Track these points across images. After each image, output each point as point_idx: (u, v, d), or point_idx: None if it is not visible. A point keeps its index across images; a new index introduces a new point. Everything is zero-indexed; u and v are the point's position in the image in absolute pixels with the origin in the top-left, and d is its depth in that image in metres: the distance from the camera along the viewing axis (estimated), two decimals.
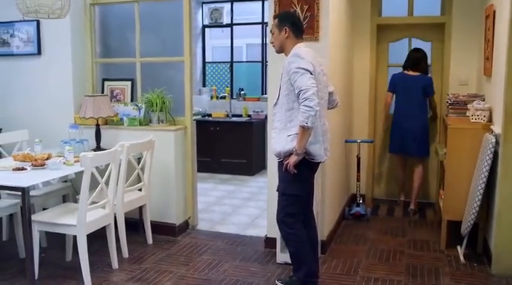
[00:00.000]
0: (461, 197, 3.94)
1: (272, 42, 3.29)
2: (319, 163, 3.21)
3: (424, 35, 5.40)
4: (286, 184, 3.15)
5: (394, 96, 5.16)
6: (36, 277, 3.42)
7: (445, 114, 4.67)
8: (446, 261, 3.90)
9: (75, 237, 3.47)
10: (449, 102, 4.48)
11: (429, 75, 5.14)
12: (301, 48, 3.11)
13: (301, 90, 2.92)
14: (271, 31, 3.29)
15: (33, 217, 3.46)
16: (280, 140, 3.11)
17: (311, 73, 2.96)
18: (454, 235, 4.06)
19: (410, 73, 5.03)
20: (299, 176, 3.09)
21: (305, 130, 2.93)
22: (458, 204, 3.97)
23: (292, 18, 3.24)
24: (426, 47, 5.26)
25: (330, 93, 3.33)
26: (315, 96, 2.90)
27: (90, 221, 3.47)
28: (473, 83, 5.00)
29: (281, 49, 3.23)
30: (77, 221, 3.38)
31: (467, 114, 4.17)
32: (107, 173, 3.62)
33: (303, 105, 2.90)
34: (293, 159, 3.02)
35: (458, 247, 3.98)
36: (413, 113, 5.00)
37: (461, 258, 3.87)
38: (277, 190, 3.24)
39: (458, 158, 3.99)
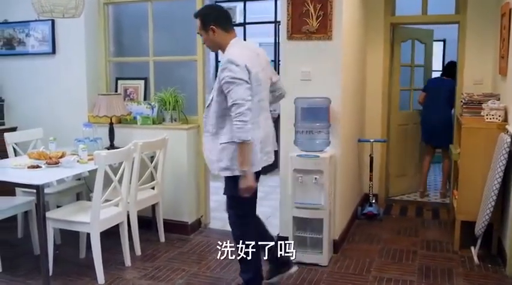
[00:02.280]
0: (476, 198, 3.90)
1: (204, 43, 3.13)
2: (259, 171, 3.06)
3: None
4: (229, 189, 3.03)
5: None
6: (51, 274, 3.45)
7: (459, 113, 4.63)
8: (460, 262, 3.86)
9: (88, 234, 3.50)
10: (463, 101, 4.44)
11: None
12: (235, 49, 2.91)
13: (236, 104, 2.75)
14: (197, 33, 3.06)
15: (48, 214, 3.49)
16: (213, 148, 2.96)
17: (247, 81, 2.79)
18: (467, 236, 4.02)
19: (444, 78, 5.77)
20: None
21: (246, 146, 2.78)
22: (472, 204, 3.93)
23: (213, 14, 2.98)
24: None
25: (274, 83, 3.17)
26: (249, 110, 2.75)
27: (104, 219, 3.51)
28: (488, 82, 4.95)
29: (216, 48, 3.07)
30: (91, 218, 3.41)
31: (481, 113, 4.13)
32: (120, 172, 3.64)
33: (238, 121, 2.74)
34: (246, 183, 2.84)
35: (472, 248, 3.94)
36: (439, 108, 5.53)
37: (475, 259, 3.84)
38: (224, 194, 3.11)
39: (473, 158, 3.95)
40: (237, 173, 2.89)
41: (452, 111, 5.48)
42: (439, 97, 5.56)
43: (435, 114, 5.57)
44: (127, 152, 3.65)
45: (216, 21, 2.94)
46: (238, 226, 3.10)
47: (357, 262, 3.86)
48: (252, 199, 3.07)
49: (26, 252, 4.02)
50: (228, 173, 2.94)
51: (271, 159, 3.13)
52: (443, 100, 5.54)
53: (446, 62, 8.02)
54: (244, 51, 2.93)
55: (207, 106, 3.02)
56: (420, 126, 5.81)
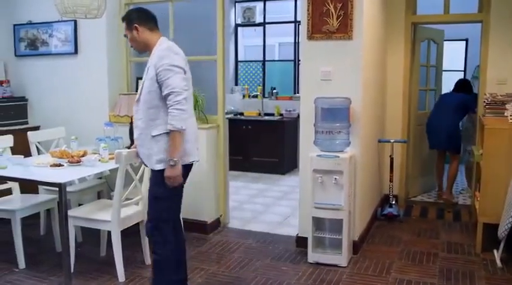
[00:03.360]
0: (498, 200, 3.84)
1: (132, 46, 3.10)
2: (191, 165, 2.97)
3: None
4: (158, 187, 2.88)
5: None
6: (72, 270, 3.50)
7: (482, 114, 4.56)
8: (482, 265, 3.81)
9: (109, 232, 3.54)
10: (486, 101, 4.37)
11: (473, 94, 5.68)
12: (169, 42, 2.93)
13: (173, 92, 2.72)
14: (124, 35, 3.07)
15: (70, 213, 3.54)
16: (145, 142, 2.88)
17: (185, 71, 2.82)
18: (490, 238, 3.96)
19: (454, 93, 5.77)
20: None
21: (179, 135, 2.75)
22: (494, 206, 3.87)
23: (136, 14, 3.01)
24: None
25: None
26: (185, 100, 2.74)
27: (124, 217, 3.54)
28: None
29: (142, 47, 3.01)
30: (111, 217, 3.45)
31: (505, 114, 4.06)
32: (140, 171, 3.67)
33: (174, 109, 2.71)
34: (175, 172, 2.77)
35: (495, 251, 3.88)
36: (445, 115, 5.50)
37: (498, 262, 3.77)
38: (150, 192, 3.00)
39: (495, 160, 3.89)
40: (188, 161, 2.88)
41: (461, 121, 5.68)
42: (448, 107, 5.52)
43: (440, 120, 5.52)
44: None
45: (139, 20, 2.97)
46: (159, 232, 2.93)
47: (377, 263, 3.83)
48: (178, 203, 3.03)
49: (48, 249, 4.08)
50: (161, 166, 2.83)
51: (199, 156, 3.08)
52: (451, 111, 5.51)
53: (468, 62, 7.99)
54: (176, 46, 2.95)
55: (136, 100, 2.93)
56: (426, 133, 5.74)
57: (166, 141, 2.81)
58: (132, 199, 3.66)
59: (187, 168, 2.93)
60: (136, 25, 2.95)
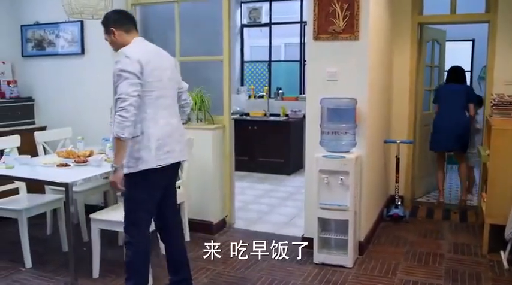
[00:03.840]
0: (505, 200, 3.82)
1: (113, 49, 3.09)
2: (167, 168, 2.92)
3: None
4: (126, 190, 2.90)
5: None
6: (97, 276, 3.52)
7: (489, 114, 4.54)
8: (489, 266, 3.79)
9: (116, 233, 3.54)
10: (493, 102, 4.35)
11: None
12: (132, 45, 2.91)
13: (120, 98, 2.70)
14: (105, 39, 3.09)
15: (93, 215, 3.54)
16: (113, 145, 2.89)
17: (137, 75, 2.74)
18: (497, 239, 3.94)
19: (453, 84, 5.47)
20: (141, 185, 2.88)
21: (121, 142, 2.72)
22: (501, 207, 3.85)
23: (113, 17, 3.01)
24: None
25: (179, 91, 3.15)
26: (132, 107, 2.69)
27: None
28: None
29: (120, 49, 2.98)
30: None
31: None
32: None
33: (118, 115, 2.69)
34: (114, 178, 2.80)
35: (502, 252, 3.86)
36: (454, 112, 5.30)
37: (505, 263, 3.75)
38: (120, 195, 3.02)
39: (503, 160, 3.87)
40: (132, 170, 2.83)
41: (467, 114, 5.35)
42: (456, 101, 5.32)
43: (451, 119, 5.29)
44: None
45: (116, 23, 2.98)
46: (131, 231, 2.95)
47: (383, 264, 3.82)
48: (148, 205, 2.97)
49: (55, 248, 4.10)
50: (125, 171, 2.83)
51: (175, 159, 2.98)
52: (460, 105, 5.32)
53: (475, 63, 7.94)
54: (143, 48, 2.93)
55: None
56: (431, 134, 5.49)
57: (131, 146, 2.81)
58: None
59: (144, 174, 2.85)
60: (113, 28, 2.97)
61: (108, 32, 3.01)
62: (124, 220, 2.97)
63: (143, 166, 2.83)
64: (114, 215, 3.51)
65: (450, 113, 5.31)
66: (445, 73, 6.04)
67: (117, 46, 3.01)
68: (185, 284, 3.18)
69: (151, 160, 2.85)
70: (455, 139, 5.29)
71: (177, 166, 3.09)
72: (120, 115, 2.69)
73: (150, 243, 3.07)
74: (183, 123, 3.21)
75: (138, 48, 2.90)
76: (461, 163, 5.56)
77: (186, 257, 3.20)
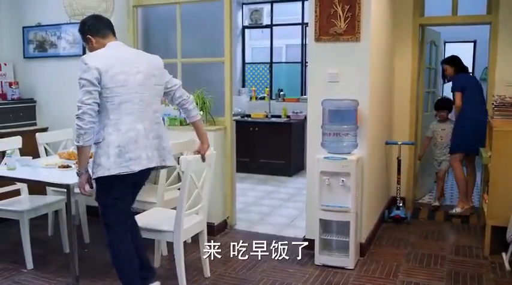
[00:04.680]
0: (507, 202, 3.82)
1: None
2: (133, 175, 2.89)
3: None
4: (96, 193, 3.00)
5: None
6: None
7: (491, 116, 4.53)
8: (490, 268, 3.78)
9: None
10: (494, 103, 4.34)
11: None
12: (100, 50, 2.93)
13: (77, 106, 2.76)
14: (84, 45, 3.18)
15: None
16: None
17: (93, 83, 2.75)
18: (498, 241, 3.94)
19: (469, 74, 5.62)
20: (105, 190, 2.94)
21: (79, 149, 2.82)
22: (503, 209, 3.85)
23: (88, 24, 3.02)
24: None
25: (170, 90, 3.20)
26: (86, 115, 2.73)
27: (186, 228, 3.38)
28: None
29: None
30: (174, 227, 3.27)
31: None
32: (202, 178, 3.52)
33: (75, 123, 2.76)
34: (79, 182, 2.93)
35: (503, 254, 3.85)
36: (483, 108, 5.01)
37: (507, 265, 3.75)
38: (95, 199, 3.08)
39: (504, 162, 3.87)
40: (94, 176, 2.89)
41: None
42: (481, 95, 5.07)
43: (482, 114, 4.86)
44: (210, 158, 3.49)
45: (91, 30, 3.00)
46: (106, 233, 3.02)
47: (384, 266, 3.81)
48: (116, 209, 3.00)
49: (56, 250, 4.10)
50: (93, 175, 2.91)
51: (142, 166, 2.91)
52: (483, 99, 5.07)
53: (476, 64, 7.93)
54: (108, 52, 2.92)
55: None
56: (459, 133, 5.04)
57: (94, 151, 2.89)
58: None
59: (106, 180, 2.86)
60: (89, 36, 3.00)
61: (85, 39, 3.04)
62: (101, 221, 3.04)
63: (101, 173, 2.83)
64: (145, 222, 3.40)
65: (480, 108, 4.96)
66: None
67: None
68: (146, 282, 3.21)
69: (111, 166, 2.83)
70: (482, 138, 4.74)
71: (146, 172, 3.02)
72: (76, 124, 2.75)
73: (129, 244, 3.06)
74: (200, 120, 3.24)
75: (100, 53, 2.90)
76: (472, 167, 5.27)
77: (145, 255, 3.26)
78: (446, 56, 5.81)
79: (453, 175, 5.40)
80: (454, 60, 5.30)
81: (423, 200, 5.78)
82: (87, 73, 2.76)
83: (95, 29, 3.00)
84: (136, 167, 2.88)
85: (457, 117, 5.14)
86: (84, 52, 4.94)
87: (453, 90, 5.12)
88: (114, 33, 3.06)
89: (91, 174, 2.90)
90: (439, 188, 5.55)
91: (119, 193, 2.97)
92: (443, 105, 5.54)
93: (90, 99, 2.76)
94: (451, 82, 5.27)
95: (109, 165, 2.82)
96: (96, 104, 2.78)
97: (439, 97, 6.20)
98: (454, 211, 5.14)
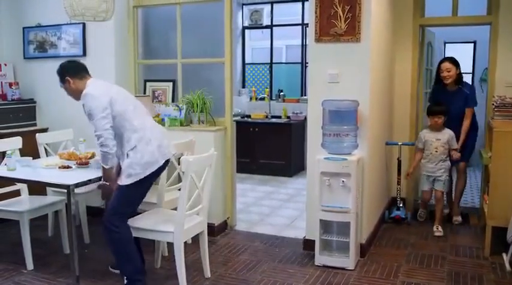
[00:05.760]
0: (507, 203, 3.82)
1: (69, 95, 3.45)
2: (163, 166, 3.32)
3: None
4: (126, 190, 3.23)
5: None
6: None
7: (491, 116, 4.53)
8: (491, 268, 3.78)
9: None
10: (495, 104, 4.35)
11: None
12: (89, 86, 3.26)
13: (96, 135, 3.13)
14: (63, 87, 3.41)
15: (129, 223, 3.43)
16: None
17: (105, 106, 3.13)
18: (499, 242, 3.94)
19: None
20: (141, 187, 3.29)
21: (106, 169, 3.24)
22: (503, 209, 3.85)
23: (65, 68, 3.37)
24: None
25: None
26: (109, 140, 3.12)
27: (187, 228, 3.37)
28: None
29: (79, 95, 3.30)
30: (175, 228, 3.24)
31: None
32: (203, 178, 3.50)
33: (100, 150, 3.15)
34: (106, 191, 3.33)
35: (504, 254, 3.85)
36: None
37: (507, 265, 3.74)
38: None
39: (504, 162, 3.87)
40: (140, 177, 3.21)
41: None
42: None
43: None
44: (210, 159, 3.52)
45: (69, 73, 3.34)
46: (113, 220, 3.25)
47: (384, 266, 3.81)
48: (135, 205, 3.43)
49: (56, 250, 4.10)
50: (129, 181, 3.22)
51: (170, 153, 3.43)
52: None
53: (476, 64, 7.92)
54: (98, 83, 3.32)
55: None
56: (475, 141, 4.95)
57: (132, 156, 3.27)
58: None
59: (148, 177, 3.28)
60: (68, 78, 3.33)
61: (63, 81, 3.36)
62: (109, 211, 3.24)
63: (152, 169, 3.23)
64: (146, 223, 3.40)
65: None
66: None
67: (73, 92, 3.38)
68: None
69: (158, 159, 3.25)
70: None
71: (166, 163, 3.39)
72: (102, 151, 3.15)
73: (131, 232, 3.29)
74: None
75: (96, 85, 3.28)
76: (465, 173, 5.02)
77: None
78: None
79: (460, 183, 4.95)
80: (458, 62, 4.88)
81: None
82: (96, 101, 3.13)
83: (73, 72, 3.35)
84: (171, 153, 3.40)
85: (470, 126, 4.78)
86: (84, 53, 4.95)
87: (474, 104, 4.80)
88: (89, 73, 3.42)
89: (132, 178, 3.17)
90: (440, 212, 4.74)
91: (148, 188, 3.34)
92: (438, 109, 4.67)
93: (107, 123, 3.13)
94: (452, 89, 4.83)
95: (155, 158, 3.23)
96: (111, 127, 3.15)
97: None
98: (456, 221, 4.91)
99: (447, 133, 4.66)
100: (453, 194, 5.07)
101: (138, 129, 3.22)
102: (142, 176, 3.19)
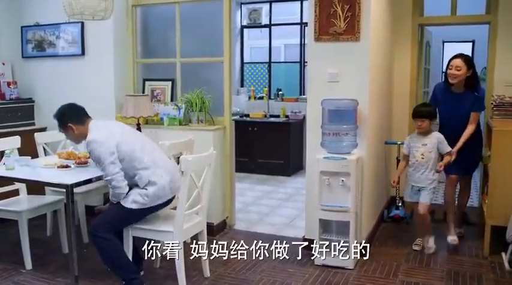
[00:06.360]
0: (506, 202, 3.82)
1: (69, 140, 3.53)
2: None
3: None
4: (130, 213, 3.26)
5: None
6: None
7: (490, 116, 4.53)
8: (490, 268, 3.78)
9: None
10: (494, 103, 4.35)
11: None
12: (92, 132, 3.25)
13: (107, 180, 3.19)
14: (63, 132, 3.43)
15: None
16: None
17: (112, 151, 3.15)
18: (498, 241, 3.93)
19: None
20: (145, 213, 3.33)
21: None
22: (503, 209, 3.85)
23: (67, 115, 3.35)
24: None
25: None
26: (120, 182, 3.17)
27: (186, 228, 3.39)
28: None
29: (81, 140, 3.39)
30: (174, 227, 3.26)
31: None
32: (202, 178, 3.52)
33: (111, 190, 3.22)
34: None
35: (503, 254, 3.85)
36: None
37: (506, 265, 3.75)
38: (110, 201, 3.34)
39: (504, 162, 3.87)
40: (147, 205, 3.28)
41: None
42: None
43: None
44: (210, 158, 3.52)
45: (72, 120, 3.33)
46: (100, 229, 3.26)
47: (384, 266, 3.81)
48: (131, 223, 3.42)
49: (55, 250, 4.09)
50: (135, 206, 3.26)
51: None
52: None
53: (475, 64, 7.92)
54: (100, 126, 3.31)
55: None
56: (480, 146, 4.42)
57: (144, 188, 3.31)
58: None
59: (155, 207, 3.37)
60: (71, 125, 3.32)
61: (65, 128, 3.35)
62: (101, 220, 3.26)
63: (160, 201, 3.29)
64: (153, 223, 3.38)
65: None
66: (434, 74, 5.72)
67: (75, 137, 3.41)
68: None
69: (166, 193, 3.29)
70: None
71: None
72: (115, 192, 3.20)
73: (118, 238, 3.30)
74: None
75: (99, 130, 3.25)
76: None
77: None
78: (444, 57, 5.76)
79: (463, 197, 4.54)
80: (473, 62, 4.25)
81: None
82: (103, 147, 3.15)
83: (75, 118, 3.34)
84: (180, 187, 3.32)
85: (474, 131, 4.18)
86: (83, 52, 4.94)
87: (480, 109, 4.22)
88: (88, 115, 3.42)
89: (140, 205, 3.22)
90: (426, 228, 4.14)
91: (148, 214, 3.37)
92: (421, 111, 4.08)
93: (116, 167, 3.16)
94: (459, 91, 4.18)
95: (165, 193, 3.27)
96: (120, 169, 3.18)
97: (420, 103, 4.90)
98: (451, 240, 4.23)
99: (434, 137, 4.01)
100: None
101: (149, 166, 3.25)
102: (147, 206, 3.24)
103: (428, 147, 4.01)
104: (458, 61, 4.10)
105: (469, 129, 4.12)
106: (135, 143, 3.31)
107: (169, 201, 3.37)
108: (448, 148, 4.02)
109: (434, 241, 4.11)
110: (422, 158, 4.02)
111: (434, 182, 4.04)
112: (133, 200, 3.22)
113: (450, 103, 4.20)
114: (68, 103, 3.47)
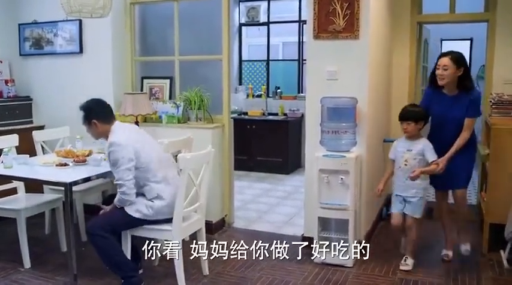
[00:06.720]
0: (505, 200, 3.82)
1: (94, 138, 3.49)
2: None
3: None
4: (133, 221, 3.28)
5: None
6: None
7: (488, 114, 4.54)
8: (489, 265, 3.79)
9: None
10: (492, 101, 4.35)
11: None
12: (118, 132, 3.27)
13: (118, 183, 3.19)
14: (86, 126, 3.41)
15: None
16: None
17: (131, 158, 3.16)
18: (497, 239, 3.93)
19: None
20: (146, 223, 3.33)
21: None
22: (501, 206, 3.85)
23: (95, 110, 3.33)
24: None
25: None
26: (130, 189, 3.19)
27: (185, 226, 3.41)
28: None
29: (101, 137, 3.39)
30: (173, 226, 3.26)
31: None
32: (200, 176, 3.50)
33: (120, 196, 3.21)
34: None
35: (502, 251, 3.85)
36: None
37: (505, 262, 3.75)
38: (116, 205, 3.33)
39: (502, 160, 3.88)
40: (149, 218, 3.31)
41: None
42: None
43: None
44: (208, 156, 3.52)
45: (98, 117, 3.31)
46: (97, 228, 3.27)
47: (383, 264, 3.81)
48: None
49: (53, 248, 4.08)
50: (138, 215, 3.29)
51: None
52: None
53: (473, 62, 7.91)
54: (126, 132, 3.30)
55: None
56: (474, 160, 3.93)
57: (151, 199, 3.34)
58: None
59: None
60: (95, 121, 3.31)
61: (89, 123, 3.33)
62: (99, 221, 3.27)
63: (163, 217, 3.28)
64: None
65: None
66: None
67: (97, 134, 3.39)
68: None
69: (168, 211, 3.26)
70: None
71: None
72: (122, 198, 3.20)
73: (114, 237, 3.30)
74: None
75: (123, 133, 3.27)
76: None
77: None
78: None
79: (460, 213, 3.96)
80: (464, 60, 3.66)
81: None
82: (124, 152, 3.15)
83: (101, 115, 3.33)
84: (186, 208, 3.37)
85: (470, 140, 3.71)
86: (81, 50, 4.92)
87: (475, 114, 3.68)
88: (114, 116, 3.41)
89: (143, 215, 3.25)
90: (411, 243, 3.77)
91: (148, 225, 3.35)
92: (409, 113, 3.73)
93: (130, 175, 3.17)
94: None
95: (170, 210, 3.24)
96: (133, 178, 3.20)
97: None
98: (445, 254, 3.97)
99: (421, 143, 3.64)
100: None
101: (160, 181, 3.28)
102: (149, 219, 3.27)
103: (413, 153, 3.62)
104: (445, 60, 3.56)
105: (462, 137, 3.63)
106: (153, 155, 3.32)
107: (169, 220, 3.27)
108: (434, 157, 3.58)
109: (413, 264, 3.71)
110: (406, 165, 3.63)
111: (419, 193, 3.63)
112: (137, 210, 3.24)
113: (442, 107, 3.71)
114: (96, 99, 3.45)
